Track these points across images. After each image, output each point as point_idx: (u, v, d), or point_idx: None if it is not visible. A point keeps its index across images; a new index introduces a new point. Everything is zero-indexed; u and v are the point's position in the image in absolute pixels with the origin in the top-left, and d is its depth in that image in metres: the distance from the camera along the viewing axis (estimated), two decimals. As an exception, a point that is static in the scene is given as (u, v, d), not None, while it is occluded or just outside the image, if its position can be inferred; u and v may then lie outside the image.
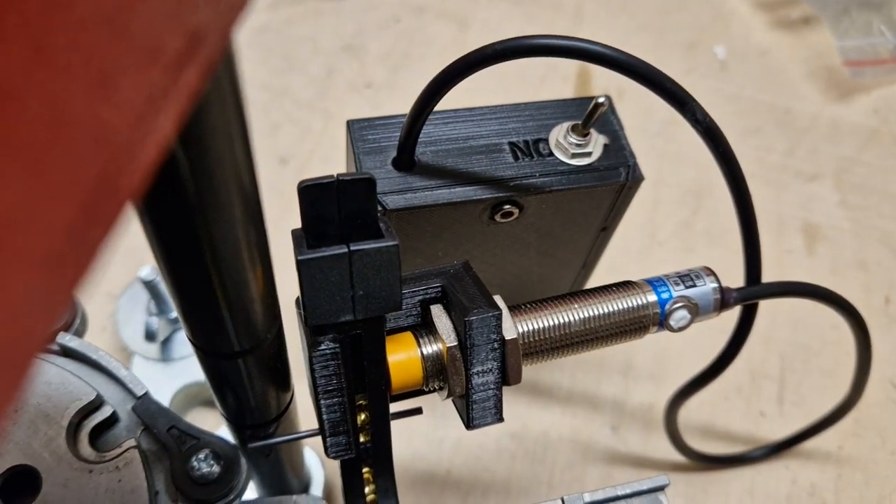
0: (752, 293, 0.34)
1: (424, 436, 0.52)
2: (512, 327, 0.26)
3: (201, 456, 0.29)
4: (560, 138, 0.37)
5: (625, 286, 0.30)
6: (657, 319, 0.30)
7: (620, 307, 0.29)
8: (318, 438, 0.27)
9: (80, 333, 0.32)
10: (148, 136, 0.12)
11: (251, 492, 0.38)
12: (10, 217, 0.09)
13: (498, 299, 0.27)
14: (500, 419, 0.27)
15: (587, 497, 0.32)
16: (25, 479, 0.28)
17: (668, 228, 0.63)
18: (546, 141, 0.37)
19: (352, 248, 0.22)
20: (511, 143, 0.37)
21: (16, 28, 0.08)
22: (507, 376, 0.27)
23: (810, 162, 0.67)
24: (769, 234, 0.62)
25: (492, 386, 0.26)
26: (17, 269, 0.10)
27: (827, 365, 0.57)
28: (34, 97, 0.09)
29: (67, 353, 0.31)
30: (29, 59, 0.09)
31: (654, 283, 0.31)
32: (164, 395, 0.49)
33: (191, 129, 0.15)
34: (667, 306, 0.30)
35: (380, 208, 0.34)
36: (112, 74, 0.10)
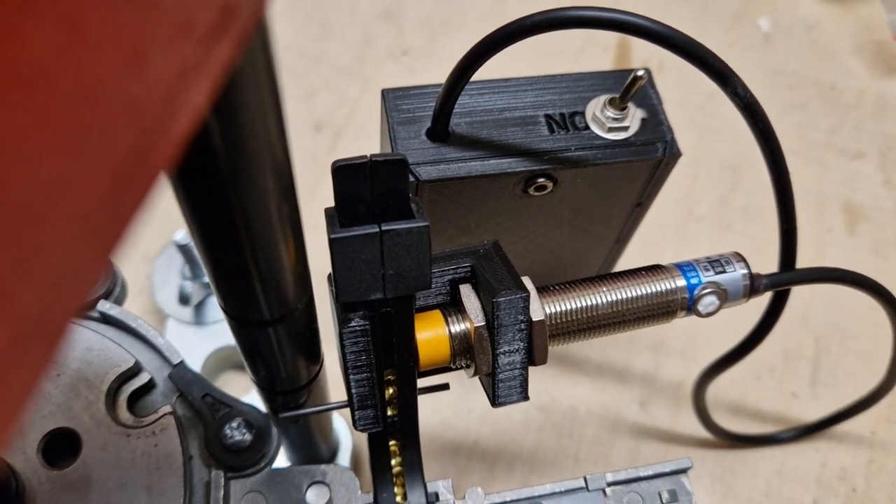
0: (782, 280, 0.33)
1: (452, 405, 0.53)
2: (539, 309, 0.26)
3: (234, 424, 0.29)
4: (597, 111, 0.36)
5: (654, 270, 0.30)
6: (685, 304, 0.30)
7: (649, 291, 0.29)
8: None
9: (119, 301, 0.33)
10: (180, 111, 0.12)
11: (281, 456, 0.38)
12: (45, 191, 0.10)
13: (526, 280, 0.27)
14: (526, 398, 0.27)
15: (609, 477, 0.32)
16: (66, 441, 0.28)
17: (705, 205, 0.62)
18: (582, 114, 0.37)
19: (383, 227, 0.22)
20: (547, 116, 0.37)
21: (47, 5, 0.08)
22: (534, 356, 0.26)
23: (854, 140, 0.65)
24: (810, 213, 0.61)
25: (518, 366, 0.26)
26: (52, 241, 0.10)
27: (864, 348, 0.56)
28: (66, 74, 0.09)
29: (107, 320, 0.31)
30: (61, 35, 0.09)
31: (684, 268, 0.30)
32: (196, 359, 0.50)
33: (223, 103, 0.15)
34: (695, 291, 0.30)
35: (413, 179, 0.34)
36: (143, 50, 0.10)
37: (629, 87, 0.34)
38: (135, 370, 0.30)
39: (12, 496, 0.27)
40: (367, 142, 0.62)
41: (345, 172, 0.22)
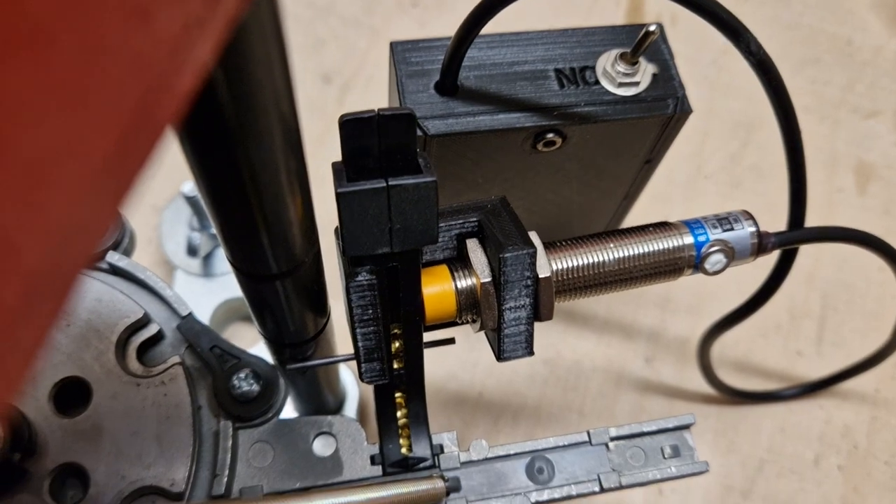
0: (790, 238, 0.33)
1: (458, 358, 0.53)
2: (546, 265, 0.26)
3: (242, 375, 0.29)
4: (608, 66, 0.36)
5: (661, 227, 0.30)
6: (692, 262, 0.30)
7: (656, 248, 0.29)
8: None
9: (128, 252, 0.33)
10: (185, 66, 0.12)
11: (288, 408, 0.39)
12: (52, 148, 0.10)
13: (533, 236, 0.27)
14: (531, 353, 0.27)
15: (613, 431, 0.32)
16: (77, 390, 0.29)
17: (715, 162, 0.61)
18: (593, 69, 0.36)
19: (390, 182, 0.22)
20: (557, 70, 0.36)
21: (49, -42, 0.08)
22: (540, 312, 0.27)
23: (869, 97, 0.64)
24: (820, 172, 0.61)
25: (523, 321, 0.26)
26: (60, 197, 0.10)
27: (870, 307, 0.56)
28: (70, 30, 0.09)
29: (116, 271, 0.32)
30: (63, -11, 0.09)
31: (692, 225, 0.30)
32: (204, 310, 0.50)
33: (229, 57, 0.15)
34: (703, 249, 0.30)
35: (421, 134, 0.34)
36: (148, 6, 0.10)
37: (641, 42, 0.34)
38: (144, 321, 0.30)
39: (25, 443, 0.27)
40: (375, 94, 0.62)
41: (352, 126, 0.22)
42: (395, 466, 0.30)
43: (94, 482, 0.27)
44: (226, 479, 0.28)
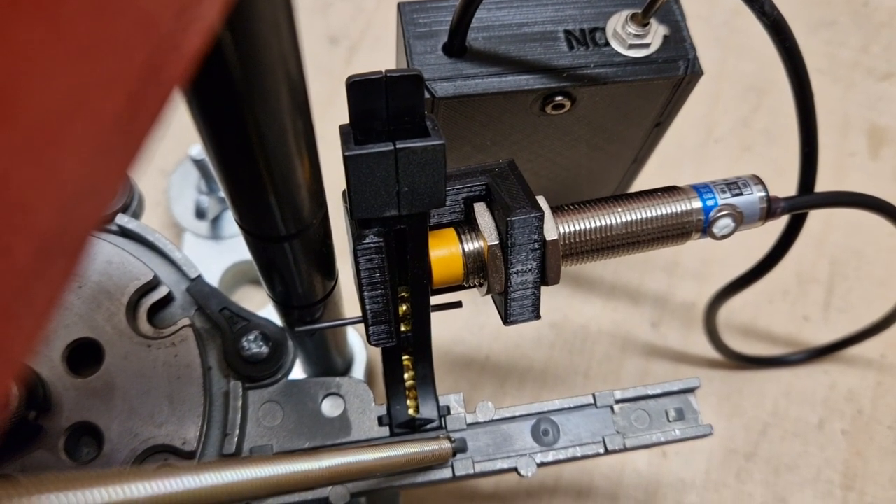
0: (800, 203, 0.33)
1: (465, 321, 0.54)
2: (553, 228, 0.26)
3: (251, 337, 0.30)
4: (618, 27, 0.35)
5: (670, 191, 0.30)
6: (700, 226, 0.30)
7: (664, 212, 0.29)
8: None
9: (137, 214, 0.33)
10: (192, 25, 0.12)
11: (297, 370, 0.39)
12: (61, 108, 0.10)
13: (541, 200, 0.26)
14: (538, 317, 0.27)
15: (618, 394, 0.32)
16: (90, 350, 0.29)
17: (725, 125, 0.61)
18: (603, 30, 0.36)
19: (398, 145, 0.22)
20: (567, 32, 0.36)
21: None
22: (547, 276, 0.27)
23: (885, 59, 0.63)
24: (832, 135, 0.60)
25: (531, 285, 0.26)
26: (70, 158, 0.10)
27: (879, 273, 0.56)
28: (76, -13, 0.09)
29: (126, 233, 0.32)
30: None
31: (700, 189, 0.30)
32: (213, 273, 0.50)
33: (236, 16, 0.15)
34: (711, 213, 0.30)
35: (428, 96, 0.34)
36: (154, -38, 0.10)
37: (652, 3, 0.33)
38: (154, 283, 0.31)
39: (40, 401, 0.28)
40: (383, 56, 0.61)
41: (359, 88, 0.21)
42: (403, 427, 0.31)
43: (108, 440, 0.28)
44: (236, 439, 0.29)
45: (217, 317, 0.30)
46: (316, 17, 0.63)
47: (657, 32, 0.35)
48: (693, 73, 0.35)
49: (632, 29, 0.35)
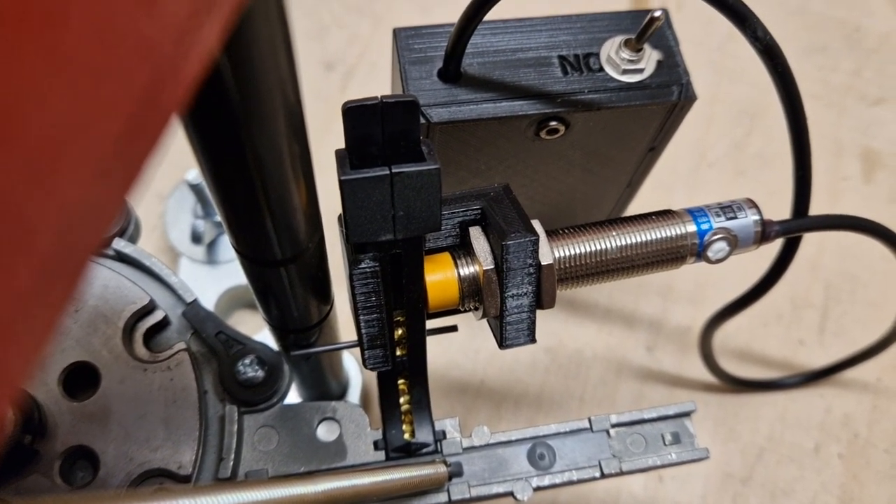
0: (794, 226, 0.33)
1: (461, 346, 0.54)
2: (548, 253, 0.26)
3: (247, 361, 0.30)
4: (612, 53, 0.36)
5: (664, 215, 0.30)
6: (695, 250, 0.30)
7: (658, 236, 0.29)
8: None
9: (133, 239, 0.33)
10: (191, 51, 0.12)
11: (293, 394, 0.39)
12: (61, 132, 0.10)
13: (536, 224, 0.27)
14: (533, 340, 0.27)
15: (614, 418, 0.32)
16: (86, 374, 0.29)
17: (719, 149, 0.61)
18: (597, 55, 0.36)
19: (394, 169, 0.22)
20: (561, 57, 0.36)
21: (59, -56, 0.08)
22: (542, 300, 0.27)
23: (877, 84, 0.64)
24: (826, 159, 0.61)
25: (526, 309, 0.26)
26: (70, 181, 0.10)
27: (873, 296, 0.56)
28: (79, 14, 0.09)
29: (122, 258, 0.32)
30: (72, -25, 0.09)
31: (695, 213, 0.30)
32: (210, 297, 0.50)
33: (234, 43, 0.15)
34: (706, 237, 0.30)
35: (424, 121, 0.34)
36: (155, -10, 0.10)
37: (646, 28, 0.34)
38: (150, 307, 0.31)
39: (36, 425, 0.28)
40: (378, 81, 0.62)
41: (355, 114, 0.22)
42: (398, 452, 0.30)
43: (104, 464, 0.28)
44: (231, 463, 0.29)
45: (213, 341, 0.30)
46: (312, 43, 0.64)
47: (651, 58, 0.36)
48: (686, 98, 0.36)
49: (625, 54, 0.35)
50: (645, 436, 0.32)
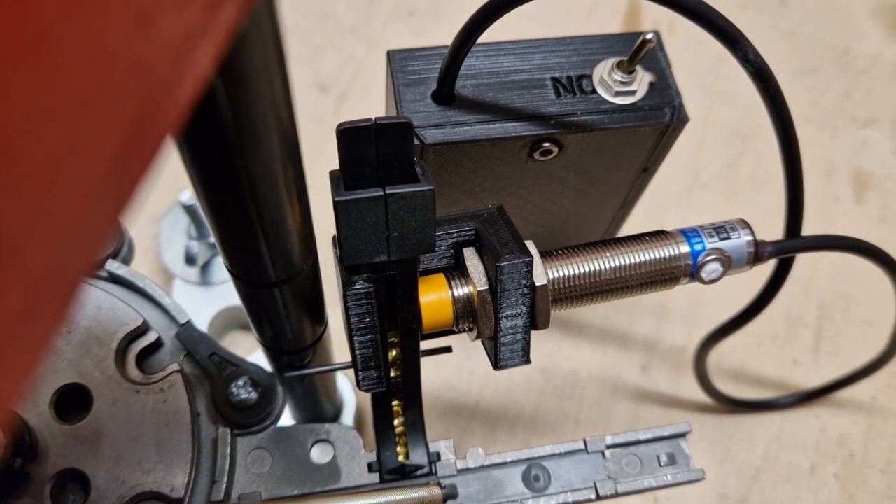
0: (787, 247, 0.33)
1: (455, 367, 0.53)
2: (542, 273, 0.26)
3: (240, 382, 0.30)
4: (604, 75, 0.36)
5: (657, 236, 0.30)
6: (689, 271, 0.30)
7: (652, 257, 0.29)
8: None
9: (126, 260, 0.33)
10: (186, 73, 0.12)
11: (286, 416, 0.39)
12: (55, 155, 0.10)
13: (530, 245, 0.27)
14: (527, 361, 0.27)
15: (609, 439, 0.32)
16: (78, 396, 0.29)
17: (712, 170, 0.61)
18: (590, 77, 0.36)
19: (388, 191, 0.22)
20: (554, 79, 0.36)
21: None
22: (536, 321, 0.27)
23: (867, 106, 0.65)
24: (818, 181, 0.61)
25: (520, 329, 0.26)
26: (64, 203, 0.10)
27: (867, 316, 0.56)
28: (74, 38, 0.09)
29: (115, 279, 0.32)
30: (67, 1, 0.09)
31: (688, 234, 0.30)
32: (203, 319, 0.50)
33: (228, 66, 0.15)
34: (699, 258, 0.30)
35: (418, 142, 0.34)
36: (150, 13, 0.10)
37: (638, 51, 0.34)
38: (143, 329, 0.30)
39: (26, 448, 0.27)
40: (372, 103, 0.62)
41: (350, 135, 0.22)
42: (393, 474, 0.30)
43: (95, 487, 0.27)
44: (224, 486, 0.28)
45: (206, 362, 0.30)
46: (306, 65, 0.64)
47: (643, 80, 0.36)
48: (679, 119, 0.36)
49: (618, 76, 0.36)
50: (640, 457, 0.32)
